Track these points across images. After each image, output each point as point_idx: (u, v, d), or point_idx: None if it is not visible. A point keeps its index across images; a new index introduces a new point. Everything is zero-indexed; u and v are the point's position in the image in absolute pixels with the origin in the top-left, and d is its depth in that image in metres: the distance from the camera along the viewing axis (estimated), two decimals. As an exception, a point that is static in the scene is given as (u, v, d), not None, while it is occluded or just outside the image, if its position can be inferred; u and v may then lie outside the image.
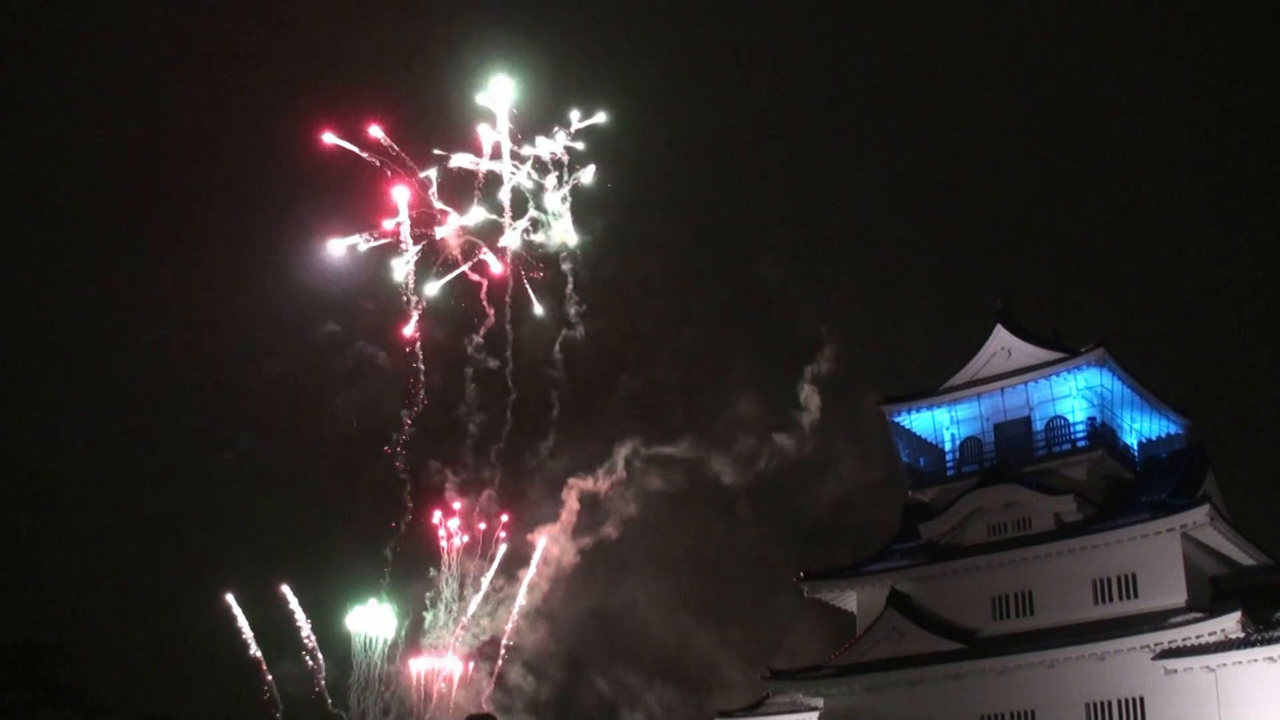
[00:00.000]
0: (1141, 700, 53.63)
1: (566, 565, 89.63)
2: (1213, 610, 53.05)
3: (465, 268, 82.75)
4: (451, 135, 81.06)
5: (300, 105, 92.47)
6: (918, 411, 68.58)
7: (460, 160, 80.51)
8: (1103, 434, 63.44)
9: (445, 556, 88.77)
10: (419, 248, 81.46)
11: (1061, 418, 64.35)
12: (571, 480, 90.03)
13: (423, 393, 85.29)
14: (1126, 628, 54.76)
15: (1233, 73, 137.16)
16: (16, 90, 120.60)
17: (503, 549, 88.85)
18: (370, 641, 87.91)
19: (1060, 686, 55.71)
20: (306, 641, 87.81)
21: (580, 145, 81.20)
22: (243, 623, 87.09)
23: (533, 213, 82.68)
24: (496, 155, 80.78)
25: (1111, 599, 57.16)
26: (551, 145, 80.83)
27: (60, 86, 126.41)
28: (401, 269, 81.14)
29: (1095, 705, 54.86)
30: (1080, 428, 63.66)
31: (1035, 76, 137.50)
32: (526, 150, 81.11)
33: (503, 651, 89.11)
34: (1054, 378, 64.24)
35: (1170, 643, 52.88)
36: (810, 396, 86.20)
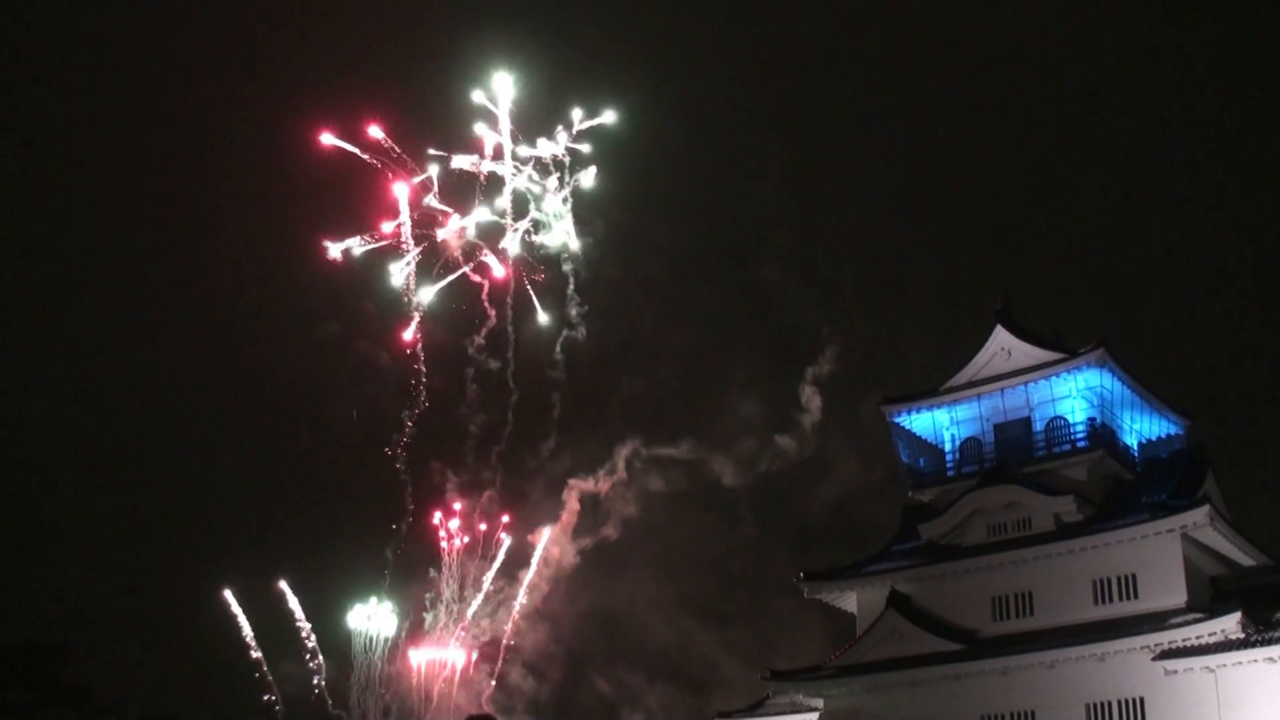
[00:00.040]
0: (1141, 701, 53.65)
1: (567, 566, 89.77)
2: (1213, 611, 53.07)
3: (466, 269, 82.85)
4: (452, 135, 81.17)
5: (301, 105, 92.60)
6: (918, 412, 68.57)
7: (461, 162, 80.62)
8: (1103, 434, 63.44)
9: (446, 557, 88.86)
10: (419, 249, 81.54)
11: (1061, 418, 64.35)
12: (572, 481, 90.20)
13: (424, 393, 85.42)
14: (1126, 628, 54.78)
15: (1233, 73, 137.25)
16: (17, 91, 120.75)
17: (503, 550, 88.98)
18: (371, 641, 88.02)
19: (1060, 687, 55.73)
20: (307, 642, 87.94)
21: (581, 146, 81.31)
22: (244, 623, 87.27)
23: (534, 214, 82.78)
24: (498, 156, 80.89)
25: (1111, 599, 57.17)
26: (553, 146, 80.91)
27: (59, 87, 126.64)
28: (402, 271, 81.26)
29: (1095, 706, 54.88)
30: (1080, 428, 63.66)
31: (1035, 76, 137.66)
32: (528, 151, 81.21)
33: (503, 652, 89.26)
34: (1054, 378, 64.23)
35: (1170, 643, 52.91)
36: (811, 397, 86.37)
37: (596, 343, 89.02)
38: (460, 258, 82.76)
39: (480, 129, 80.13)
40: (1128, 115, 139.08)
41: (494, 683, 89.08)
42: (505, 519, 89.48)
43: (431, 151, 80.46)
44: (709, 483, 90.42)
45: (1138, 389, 66.06)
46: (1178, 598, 55.10)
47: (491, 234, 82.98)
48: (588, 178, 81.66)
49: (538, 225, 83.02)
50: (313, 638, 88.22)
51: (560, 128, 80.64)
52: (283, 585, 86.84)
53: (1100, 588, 57.63)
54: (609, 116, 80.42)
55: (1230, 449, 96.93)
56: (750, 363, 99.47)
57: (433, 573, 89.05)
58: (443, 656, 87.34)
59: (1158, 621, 54.07)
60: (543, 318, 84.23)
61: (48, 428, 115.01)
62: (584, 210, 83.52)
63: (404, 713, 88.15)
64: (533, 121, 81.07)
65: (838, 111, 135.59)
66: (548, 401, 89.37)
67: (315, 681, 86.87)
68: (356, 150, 79.26)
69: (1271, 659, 50.19)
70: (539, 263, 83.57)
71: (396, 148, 79.76)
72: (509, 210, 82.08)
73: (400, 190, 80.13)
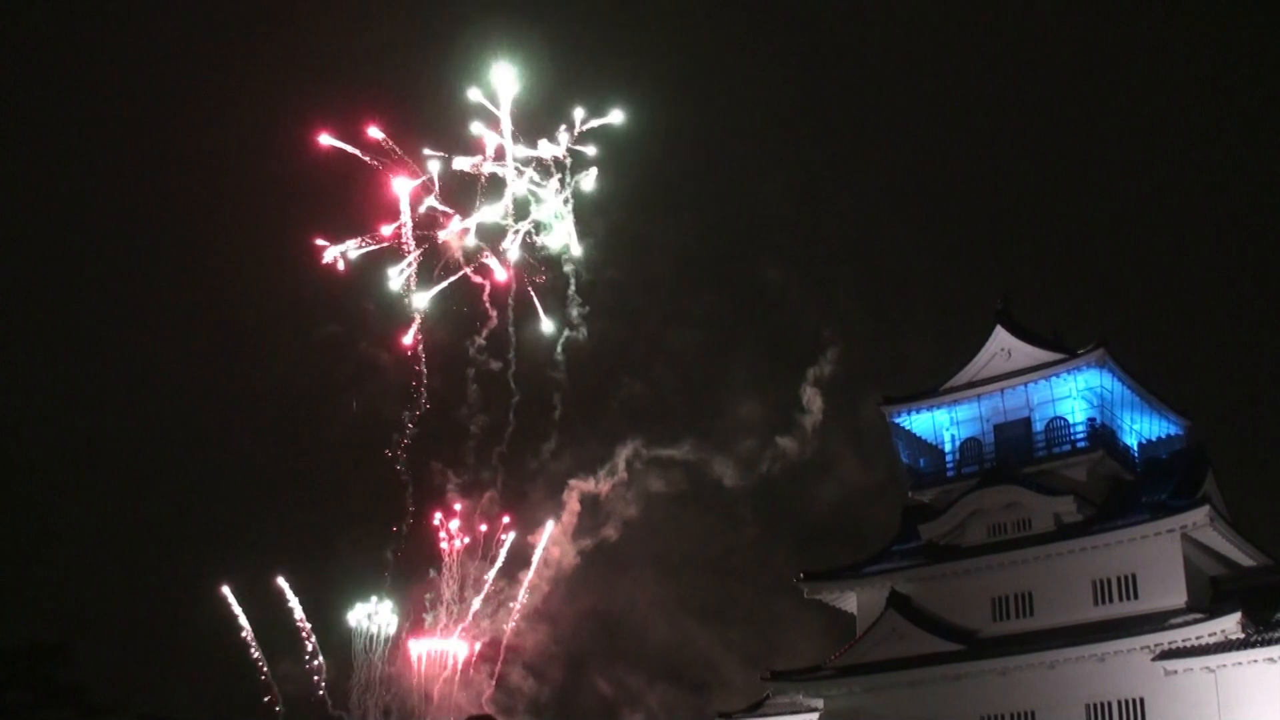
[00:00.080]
0: (1141, 701, 53.63)
1: (567, 566, 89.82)
2: (1213, 611, 53.05)
3: (467, 270, 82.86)
4: (452, 136, 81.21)
5: (302, 105, 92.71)
6: (917, 412, 68.54)
7: (461, 164, 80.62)
8: (1103, 435, 63.41)
9: (446, 558, 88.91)
10: (420, 251, 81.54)
11: (1061, 418, 64.33)
12: (573, 482, 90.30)
13: (424, 395, 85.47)
14: (1126, 628, 54.77)
15: (1233, 73, 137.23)
16: (16, 91, 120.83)
17: (504, 550, 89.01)
18: (371, 641, 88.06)
19: (1060, 687, 55.71)
20: (307, 643, 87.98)
21: (582, 147, 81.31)
22: (244, 622, 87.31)
23: (535, 215, 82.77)
24: (499, 157, 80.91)
25: (1111, 600, 57.15)
26: (554, 148, 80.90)
27: (58, 88, 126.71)
28: (402, 274, 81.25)
29: (1095, 706, 54.86)
30: (1080, 428, 63.63)
31: (1035, 76, 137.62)
32: (529, 152, 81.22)
33: (503, 652, 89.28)
34: (1054, 378, 64.19)
35: (1170, 643, 52.89)
36: (812, 398, 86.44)
37: (598, 343, 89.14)
38: (461, 259, 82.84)
39: (481, 130, 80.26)
40: (1128, 115, 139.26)
41: (494, 683, 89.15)
42: (506, 519, 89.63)
43: (432, 153, 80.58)
44: (710, 483, 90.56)
45: (1138, 389, 66.04)
46: (1178, 598, 55.08)
47: (493, 235, 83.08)
48: (588, 180, 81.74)
49: (539, 226, 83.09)
50: (313, 638, 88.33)
51: (562, 128, 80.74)
52: (280, 581, 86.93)
53: (1100, 588, 57.60)
54: (616, 116, 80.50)
55: (1230, 449, 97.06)
56: (751, 363, 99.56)
57: (432, 573, 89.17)
58: (444, 648, 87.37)
59: (1158, 622, 54.05)
60: (546, 326, 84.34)
61: (47, 428, 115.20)
62: (585, 211, 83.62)
63: (404, 713, 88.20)
64: (533, 122, 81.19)
65: (838, 112, 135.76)
66: (549, 402, 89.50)
67: (315, 681, 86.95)
68: (357, 152, 79.36)
69: (1271, 659, 50.17)
70: (540, 264, 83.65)
71: (397, 148, 79.85)
72: (510, 211, 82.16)
73: (400, 192, 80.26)
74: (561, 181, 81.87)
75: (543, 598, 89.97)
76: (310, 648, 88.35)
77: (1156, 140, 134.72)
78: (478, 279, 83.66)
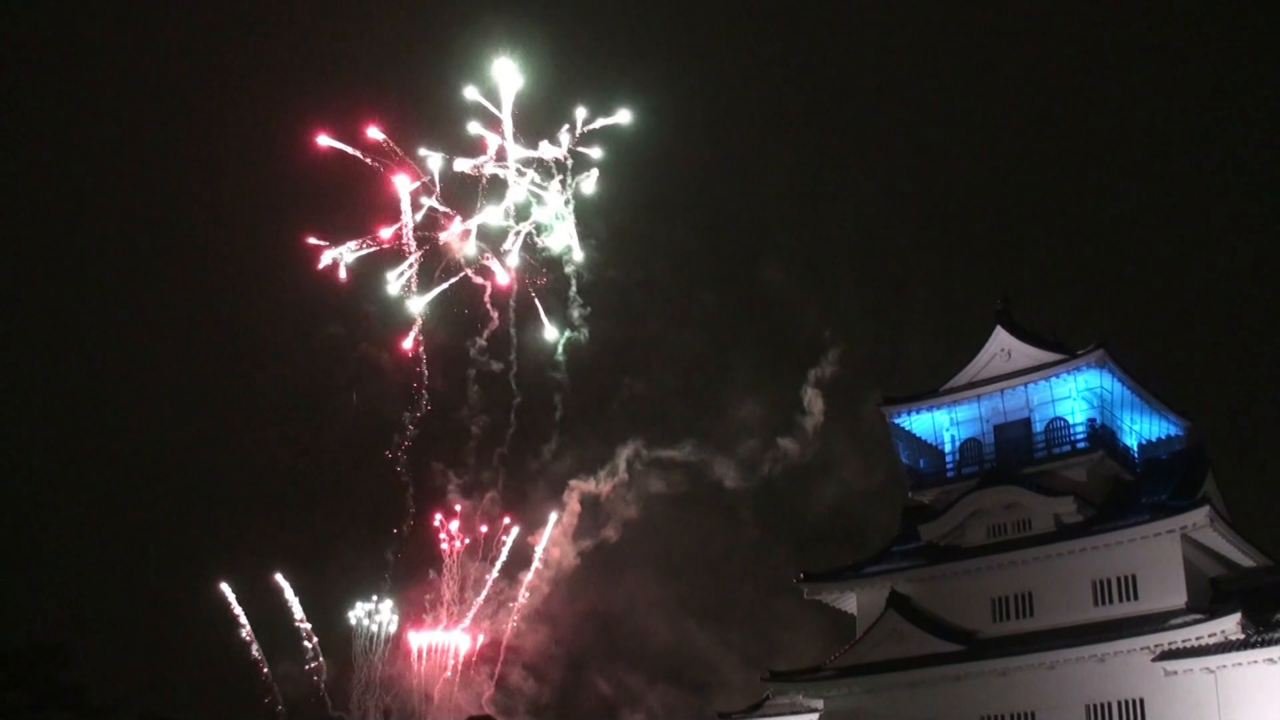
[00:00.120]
0: (1141, 702, 53.61)
1: (568, 567, 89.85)
2: (1213, 612, 53.03)
3: (468, 272, 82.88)
4: (454, 137, 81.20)
5: (302, 106, 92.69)
6: (917, 413, 68.52)
7: (462, 165, 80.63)
8: (1102, 435, 63.40)
9: (447, 559, 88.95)
10: (420, 253, 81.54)
11: (1061, 419, 64.32)
12: (574, 482, 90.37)
13: (425, 395, 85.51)
14: (1126, 629, 54.75)
15: (1233, 73, 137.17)
16: (15, 92, 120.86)
17: (504, 551, 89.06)
18: (371, 642, 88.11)
19: (1060, 688, 55.69)
20: (307, 644, 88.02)
21: (584, 149, 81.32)
22: (244, 623, 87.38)
23: (536, 216, 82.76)
24: (500, 158, 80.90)
25: (1111, 600, 57.13)
26: (555, 150, 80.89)
27: (57, 90, 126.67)
28: (402, 276, 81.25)
29: (1095, 707, 54.83)
30: (1080, 429, 63.62)
31: (1035, 76, 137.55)
32: (530, 154, 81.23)
33: (503, 653, 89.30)
34: (1054, 379, 64.18)
35: (1170, 644, 52.87)
36: (812, 399, 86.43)
37: (599, 344, 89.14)
38: (462, 261, 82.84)
39: (482, 131, 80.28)
40: (1128, 115, 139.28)
41: (494, 684, 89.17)
42: (506, 520, 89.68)
43: (432, 153, 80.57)
44: (710, 484, 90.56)
45: (1137, 390, 66.03)
46: (1178, 598, 55.07)
47: (494, 236, 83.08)
48: (589, 182, 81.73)
49: (540, 228, 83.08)
50: (313, 638, 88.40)
51: (564, 129, 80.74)
52: (279, 579, 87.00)
53: (1100, 588, 57.58)
54: (623, 116, 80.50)
55: (1230, 449, 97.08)
56: (752, 364, 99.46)
57: (433, 574, 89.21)
58: (445, 641, 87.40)
59: (1158, 622, 54.04)
60: (550, 333, 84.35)
61: (47, 429, 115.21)
62: (586, 212, 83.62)
63: (405, 714, 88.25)
64: (534, 123, 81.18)
65: (839, 113, 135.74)
66: (549, 403, 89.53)
67: (315, 681, 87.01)
68: (359, 154, 79.36)
69: (1271, 660, 50.15)
70: (541, 265, 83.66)
71: (397, 149, 79.86)
72: (511, 213, 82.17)
73: (401, 193, 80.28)
74: (563, 182, 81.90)
75: (543, 598, 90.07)
76: (310, 648, 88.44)
77: (1156, 140, 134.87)
78: (479, 280, 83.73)
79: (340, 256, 79.50)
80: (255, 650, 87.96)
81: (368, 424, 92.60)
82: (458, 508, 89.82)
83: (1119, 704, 54.24)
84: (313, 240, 80.00)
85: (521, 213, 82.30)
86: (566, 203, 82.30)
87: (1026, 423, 65.31)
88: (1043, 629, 57.91)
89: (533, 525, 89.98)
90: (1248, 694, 50.57)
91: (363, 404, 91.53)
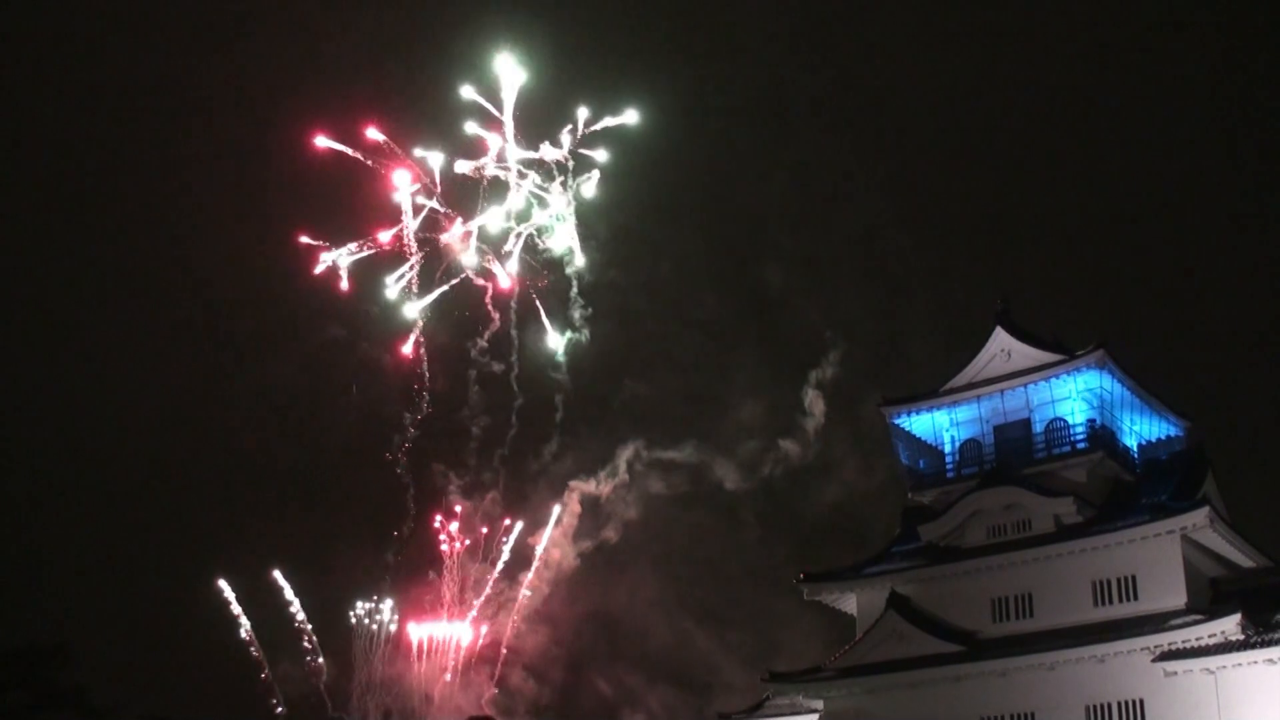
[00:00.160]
0: (1141, 702, 53.61)
1: (568, 568, 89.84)
2: (1212, 612, 53.05)
3: (469, 273, 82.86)
4: (454, 138, 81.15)
5: (302, 106, 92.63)
6: (917, 413, 68.52)
7: (463, 166, 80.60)
8: (1102, 436, 63.41)
9: (447, 560, 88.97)
10: (421, 255, 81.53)
11: (1061, 419, 64.33)
12: (574, 483, 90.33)
13: (426, 397, 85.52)
14: (1126, 630, 54.76)
15: (1233, 73, 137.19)
16: (14, 92, 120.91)
17: (505, 552, 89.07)
18: (371, 642, 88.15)
19: (1060, 689, 55.69)
20: (307, 644, 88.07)
21: (585, 150, 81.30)
22: (244, 623, 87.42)
23: (537, 218, 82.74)
24: (501, 159, 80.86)
25: (1111, 601, 57.13)
26: (556, 151, 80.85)
27: (54, 90, 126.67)
28: (403, 279, 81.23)
29: (1095, 707, 54.84)
30: (1080, 430, 63.62)
31: (1035, 76, 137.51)
32: (531, 155, 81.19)
33: (503, 654, 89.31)
34: (1053, 379, 64.18)
35: (1170, 645, 52.88)
36: (814, 400, 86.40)
37: (600, 345, 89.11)
38: (463, 263, 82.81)
39: (483, 132, 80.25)
40: (1127, 116, 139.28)
41: (494, 685, 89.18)
42: (507, 521, 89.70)
43: (432, 154, 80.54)
44: (711, 485, 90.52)
45: (1137, 390, 66.02)
46: (1177, 599, 55.08)
47: (494, 238, 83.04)
48: (590, 184, 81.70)
49: (541, 230, 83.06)
50: (314, 639, 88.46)
51: (565, 130, 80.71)
52: (278, 576, 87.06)
53: (1100, 589, 57.59)
54: (630, 116, 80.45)
55: (1230, 449, 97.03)
56: (753, 365, 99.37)
57: (433, 575, 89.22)
58: (446, 633, 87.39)
59: (1157, 623, 54.04)
60: (551, 335, 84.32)
61: (47, 429, 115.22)
62: (588, 213, 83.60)
63: (405, 715, 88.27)
64: (535, 125, 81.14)
65: (840, 113, 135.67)
66: (550, 404, 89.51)
67: (315, 682, 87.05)
68: (359, 155, 79.34)
69: (1271, 660, 50.15)
70: (543, 267, 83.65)
71: (398, 150, 79.85)
72: (512, 214, 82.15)
73: (401, 195, 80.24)
74: (564, 184, 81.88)
75: (543, 599, 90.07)
76: (310, 648, 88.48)
77: (1156, 140, 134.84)
78: (480, 282, 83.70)
79: (338, 261, 79.45)
80: (255, 650, 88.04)
81: (368, 425, 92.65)
82: (458, 509, 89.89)
83: (1119, 705, 54.24)
84: (312, 242, 79.95)
85: (522, 214, 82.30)
86: (568, 204, 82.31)
87: (1026, 423, 65.31)
88: (1043, 629, 57.91)
89: (533, 526, 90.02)
90: (1248, 694, 50.58)
91: (363, 405, 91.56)
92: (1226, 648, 51.27)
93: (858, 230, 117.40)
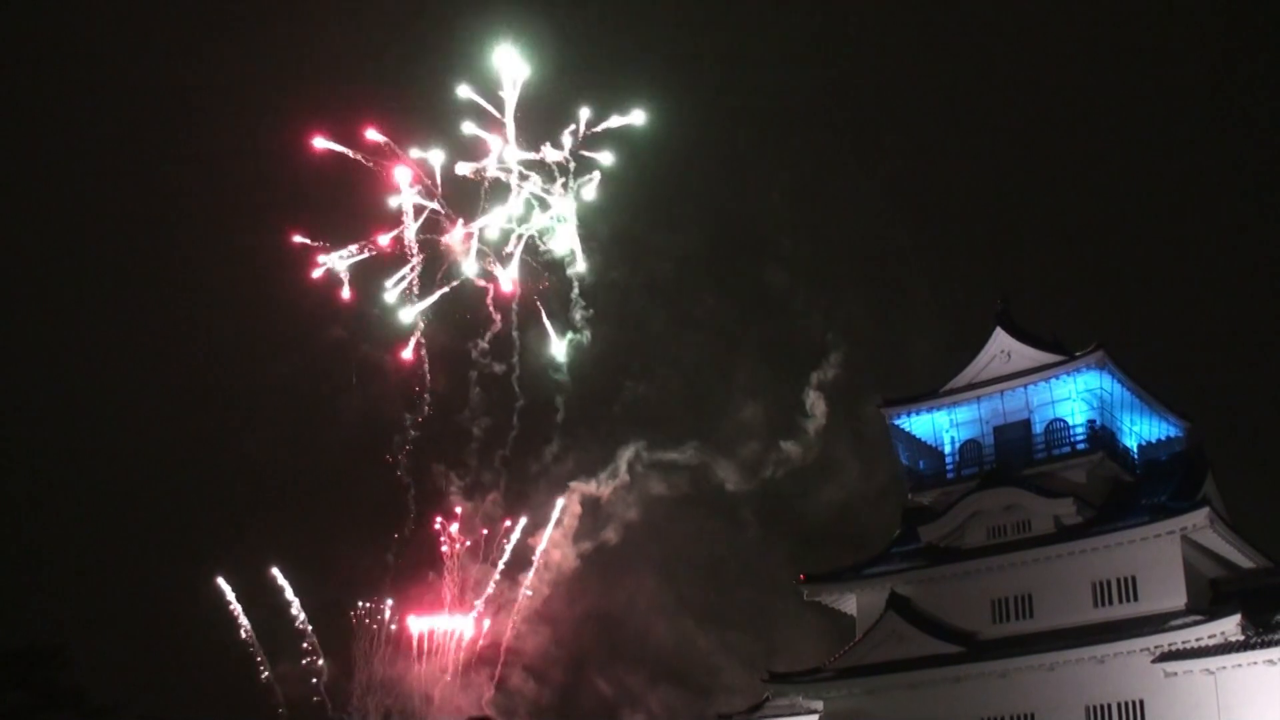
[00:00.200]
0: (1141, 703, 53.62)
1: (569, 569, 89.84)
2: (1212, 613, 53.07)
3: (470, 274, 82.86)
4: (454, 140, 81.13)
5: (301, 106, 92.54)
6: (917, 414, 68.55)
7: (464, 168, 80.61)
8: (1102, 436, 63.43)
9: (447, 560, 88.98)
10: (422, 256, 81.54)
11: (1061, 420, 64.35)
12: (575, 485, 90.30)
13: (427, 398, 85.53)
14: (1126, 630, 54.77)
15: (1233, 73, 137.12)
16: (13, 92, 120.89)
17: (506, 553, 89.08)
18: (371, 643, 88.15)
19: (1060, 689, 55.70)
20: (307, 644, 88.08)
21: (587, 152, 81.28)
22: (244, 623, 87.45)
23: (538, 219, 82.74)
24: (502, 161, 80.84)
25: (1111, 602, 57.15)
26: (557, 153, 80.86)
27: (53, 90, 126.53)
28: (403, 281, 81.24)
29: (1095, 708, 54.85)
30: (1080, 430, 63.66)
31: (1035, 76, 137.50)
32: (533, 157, 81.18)
33: (503, 655, 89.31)
34: (1053, 380, 64.22)
35: (1170, 645, 52.89)
36: (814, 402, 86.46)
37: (601, 346, 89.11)
38: (463, 265, 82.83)
39: (483, 134, 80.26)
40: (1127, 116, 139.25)
41: (494, 685, 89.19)
42: (507, 522, 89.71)
43: (432, 155, 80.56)
44: (711, 486, 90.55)
45: (1137, 391, 66.05)
46: (1177, 600, 55.09)
47: (495, 240, 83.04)
48: (591, 186, 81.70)
49: (542, 231, 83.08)
50: (314, 639, 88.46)
51: (566, 132, 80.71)
52: (276, 573, 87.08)
53: (1100, 590, 57.60)
54: (636, 117, 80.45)
55: (1230, 450, 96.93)
56: (753, 367, 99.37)
57: (433, 576, 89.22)
58: (447, 626, 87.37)
59: (1157, 624, 54.06)
60: (552, 337, 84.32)
61: (46, 429, 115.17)
62: (589, 214, 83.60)
63: (405, 715, 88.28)
64: (536, 126, 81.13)
65: (840, 114, 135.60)
66: (551, 405, 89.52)
67: (316, 682, 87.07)
68: (359, 156, 79.35)
69: (1271, 661, 50.18)
70: (544, 268, 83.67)
71: (398, 151, 79.85)
72: (513, 216, 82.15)
73: (402, 197, 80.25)
74: (565, 185, 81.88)
75: (544, 600, 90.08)
76: (310, 648, 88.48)
77: (1156, 140, 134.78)
78: (481, 283, 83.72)
79: (338, 264, 79.48)
80: (255, 650, 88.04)
81: (369, 426, 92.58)
82: (458, 509, 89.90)
83: (1119, 705, 54.25)
84: (310, 243, 79.96)
85: (524, 216, 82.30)
86: (569, 205, 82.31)
87: (1026, 424, 65.35)
88: (1043, 630, 57.94)
89: (534, 527, 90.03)
90: (1248, 695, 50.60)
91: (364, 406, 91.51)
92: (1226, 648, 51.29)
93: (858, 230, 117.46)
